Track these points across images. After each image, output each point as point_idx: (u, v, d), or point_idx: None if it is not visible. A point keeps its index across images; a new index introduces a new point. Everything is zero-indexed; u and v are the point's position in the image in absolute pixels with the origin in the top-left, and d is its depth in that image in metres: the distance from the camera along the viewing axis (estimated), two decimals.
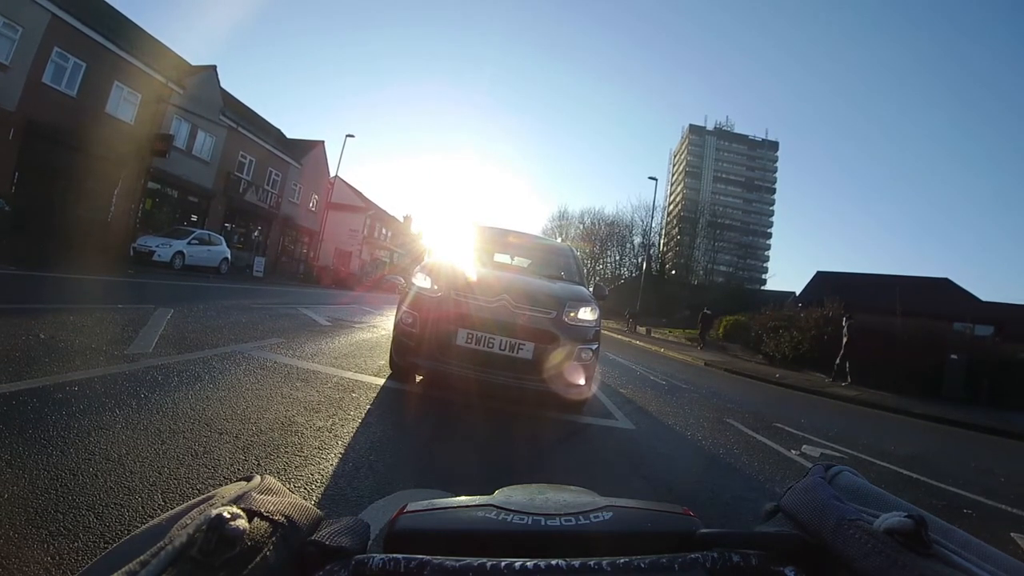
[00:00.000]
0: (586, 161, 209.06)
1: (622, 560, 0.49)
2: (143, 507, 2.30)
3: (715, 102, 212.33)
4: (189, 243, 22.07)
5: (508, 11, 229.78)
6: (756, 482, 4.61)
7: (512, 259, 8.18)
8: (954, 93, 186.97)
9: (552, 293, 5.54)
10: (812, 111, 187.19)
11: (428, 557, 0.49)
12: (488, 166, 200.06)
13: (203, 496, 0.53)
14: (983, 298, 42.84)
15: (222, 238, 25.48)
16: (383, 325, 11.59)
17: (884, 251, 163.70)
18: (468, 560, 0.49)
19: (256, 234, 35.52)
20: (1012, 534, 4.20)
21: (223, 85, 30.51)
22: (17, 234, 16.29)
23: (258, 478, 0.57)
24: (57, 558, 1.83)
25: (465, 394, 5.36)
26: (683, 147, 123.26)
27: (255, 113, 37.19)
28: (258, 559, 0.45)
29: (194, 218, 29.07)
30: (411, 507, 0.66)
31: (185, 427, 3.39)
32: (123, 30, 24.31)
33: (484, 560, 0.49)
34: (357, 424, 4.14)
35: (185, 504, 0.52)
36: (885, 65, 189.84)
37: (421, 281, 5.48)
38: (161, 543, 0.44)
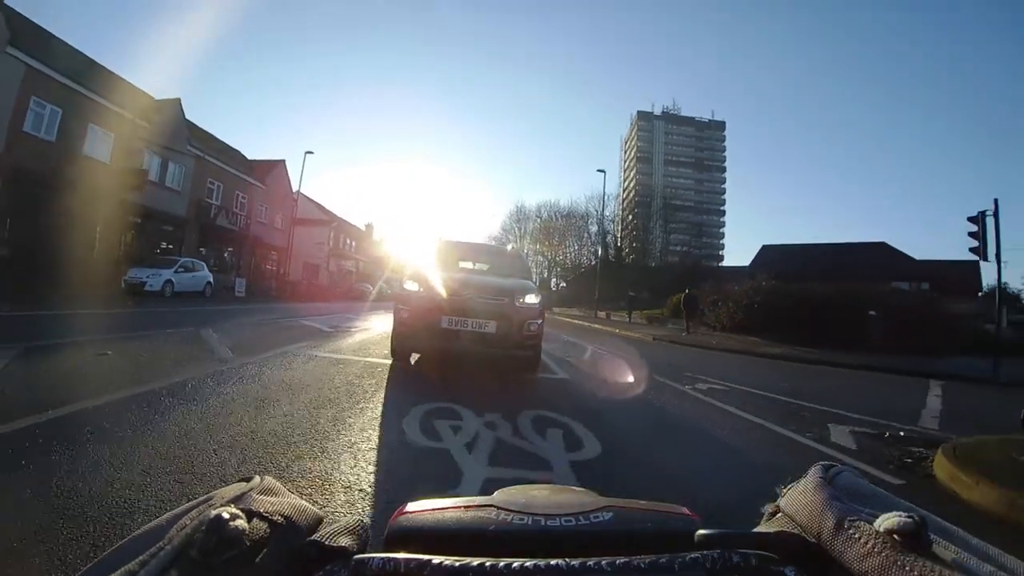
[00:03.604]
0: (540, 157, 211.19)
1: (622, 560, 0.49)
2: (303, 412, 4.64)
3: (661, 88, 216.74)
4: (176, 271, 23.63)
5: (450, 18, 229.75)
6: (651, 401, 7.23)
7: (474, 264, 9.98)
8: (885, 60, 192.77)
9: (506, 286, 7.63)
10: (754, 88, 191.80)
11: (428, 557, 0.50)
12: (443, 169, 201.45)
13: (203, 497, 0.55)
14: (918, 258, 45.92)
15: (203, 264, 27.13)
16: (373, 328, 13.75)
17: (830, 219, 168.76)
18: (468, 560, 0.49)
19: (227, 255, 37.03)
20: (828, 424, 6.37)
21: (186, 115, 32.06)
22: (15, 277, 17.47)
23: (257, 479, 0.59)
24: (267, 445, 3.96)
25: (450, 364, 7.41)
26: (633, 134, 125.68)
27: (217, 139, 38.76)
28: (258, 560, 0.47)
29: (169, 246, 30.55)
30: (411, 507, 0.68)
31: (287, 391, 5.65)
32: (91, 73, 25.72)
33: (484, 560, 0.49)
34: (387, 380, 6.76)
35: (185, 505, 0.53)
36: (817, 37, 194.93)
37: (410, 286, 7.51)
38: (161, 543, 0.46)
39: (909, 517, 0.46)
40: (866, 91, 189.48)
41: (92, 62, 27.10)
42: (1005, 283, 49.63)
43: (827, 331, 19.53)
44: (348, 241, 62.75)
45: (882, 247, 47.59)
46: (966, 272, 40.87)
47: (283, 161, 45.52)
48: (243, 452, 3.63)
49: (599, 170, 46.88)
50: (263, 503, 0.52)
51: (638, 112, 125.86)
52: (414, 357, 8.11)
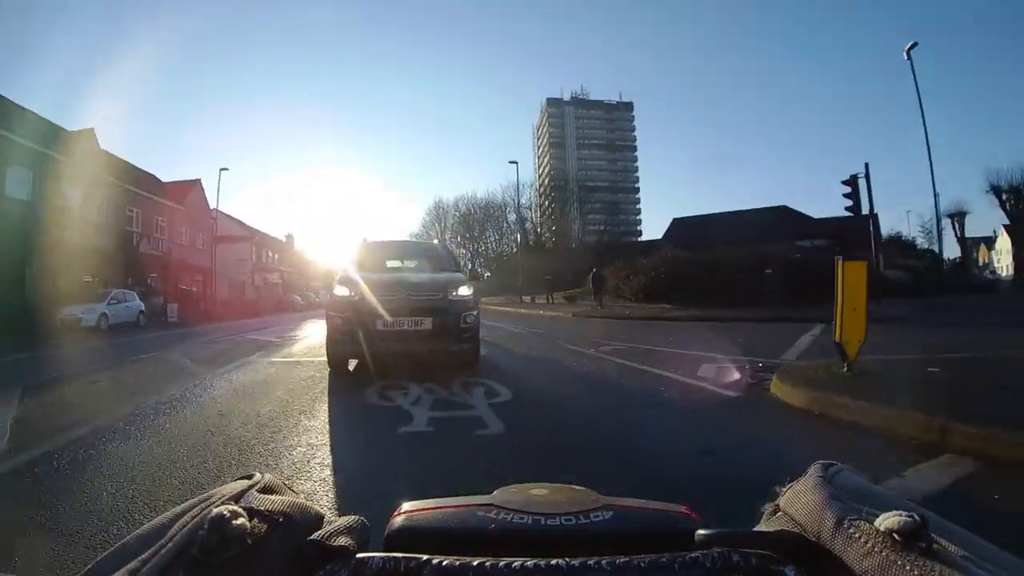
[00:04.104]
0: (455, 152, 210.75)
1: (622, 560, 0.49)
2: (288, 397, 5.97)
3: (568, 73, 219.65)
4: (108, 304, 24.02)
5: (352, 20, 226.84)
6: (559, 362, 8.94)
7: (402, 262, 9.99)
8: (772, 32, 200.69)
9: (437, 281, 7.76)
10: (659, 66, 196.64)
11: (428, 557, 0.50)
12: (357, 172, 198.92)
13: (203, 495, 0.55)
14: (816, 216, 49.14)
15: (134, 294, 27.54)
16: (312, 335, 14.99)
17: (740, 187, 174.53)
18: (468, 560, 0.49)
19: (152, 281, 36.91)
20: (702, 364, 7.88)
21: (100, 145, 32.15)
22: None
23: (258, 476, 0.60)
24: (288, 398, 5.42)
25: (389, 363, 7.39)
26: (544, 121, 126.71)
27: (131, 165, 38.31)
28: (258, 558, 0.46)
29: (93, 278, 30.11)
30: (410, 507, 0.68)
31: (266, 387, 7.02)
32: (4, 111, 25.77)
33: (484, 560, 0.49)
34: (343, 373, 7.80)
35: (186, 503, 0.53)
36: (710, 9, 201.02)
37: (341, 291, 7.47)
38: (162, 541, 0.46)
39: (909, 516, 0.46)
40: (760, 62, 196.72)
41: (12, 103, 27.05)
42: (899, 231, 54.00)
43: (730, 291, 21.69)
44: (270, 254, 62.90)
45: (783, 210, 50.72)
46: (864, 225, 44.14)
47: (199, 180, 45.67)
48: (257, 422, 5.07)
49: (511, 161, 48.52)
50: (264, 501, 0.54)
51: (548, 99, 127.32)
52: (352, 363, 8.08)
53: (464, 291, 7.66)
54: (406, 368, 7.10)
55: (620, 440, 4.53)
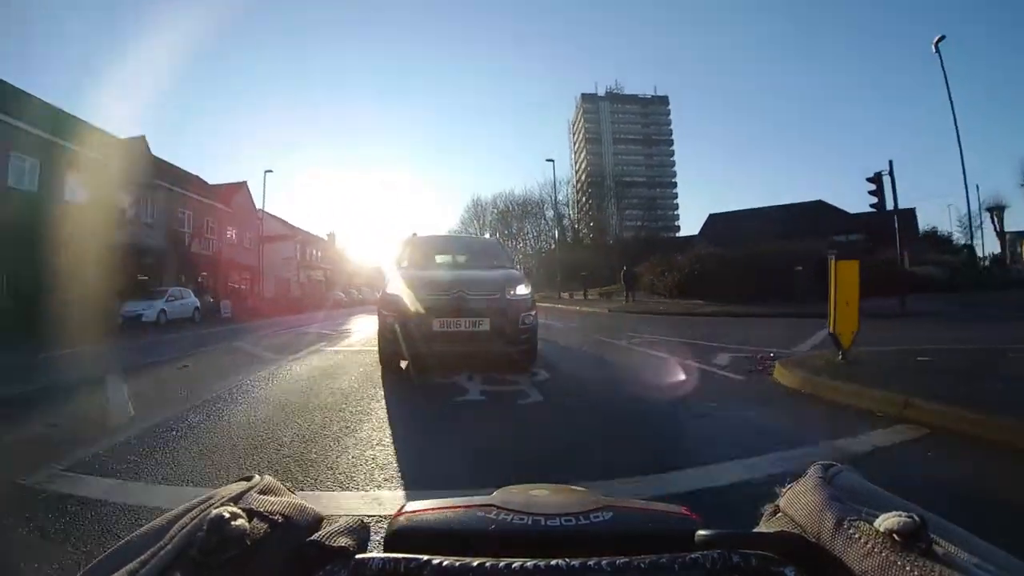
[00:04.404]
0: (493, 150, 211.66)
1: (622, 560, 0.49)
2: (360, 378, 6.94)
3: (603, 68, 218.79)
4: (167, 301, 25.53)
5: (389, 20, 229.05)
6: (591, 350, 9.79)
7: (454, 258, 9.68)
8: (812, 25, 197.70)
9: (494, 279, 7.45)
10: (695, 59, 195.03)
11: (428, 557, 0.50)
12: (397, 171, 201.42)
13: (203, 496, 0.55)
14: (852, 212, 49.02)
15: (190, 291, 29.04)
16: (365, 329, 15.93)
17: (781, 179, 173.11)
18: (468, 560, 0.49)
19: (203, 279, 38.60)
20: (718, 353, 8.79)
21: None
22: (23, 325, 18.94)
23: (258, 478, 0.60)
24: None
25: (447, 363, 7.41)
26: (579, 116, 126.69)
27: (180, 169, 40.35)
28: (258, 559, 0.47)
29: (145, 277, 31.78)
30: (411, 507, 0.68)
31: (335, 367, 8.10)
32: (61, 122, 27.14)
33: (484, 560, 0.49)
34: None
35: (185, 504, 0.53)
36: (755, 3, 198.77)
37: (394, 289, 7.24)
38: (161, 543, 0.46)
39: (909, 517, 0.46)
40: (798, 54, 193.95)
41: (60, 111, 28.46)
42: (934, 227, 53.18)
43: (761, 288, 22.28)
44: (314, 252, 64.52)
45: (820, 205, 50.77)
46: (903, 219, 44.05)
47: (245, 182, 47.29)
48: (340, 393, 6.25)
49: (548, 159, 49.26)
50: (263, 503, 0.54)
51: (582, 95, 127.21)
52: (403, 362, 7.76)
53: (522, 290, 7.45)
54: (461, 361, 7.26)
55: (632, 407, 5.49)
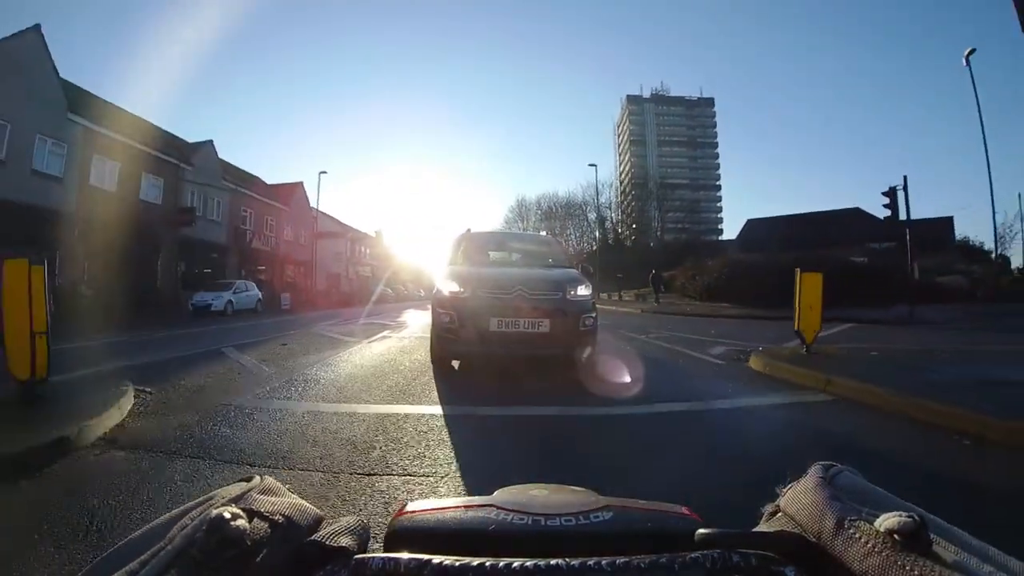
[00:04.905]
0: (537, 151, 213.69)
1: (622, 560, 0.49)
2: (422, 355, 8.74)
3: (648, 70, 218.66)
4: (234, 292, 27.84)
5: (432, 25, 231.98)
6: (614, 343, 11.13)
7: (510, 255, 9.52)
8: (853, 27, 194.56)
9: (554, 279, 7.19)
10: (741, 62, 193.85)
11: (428, 557, 0.50)
12: (442, 171, 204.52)
13: (203, 497, 0.55)
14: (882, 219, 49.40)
15: (253, 284, 31.43)
16: (420, 320, 17.90)
17: (830, 184, 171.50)
18: (468, 560, 0.49)
19: (260, 274, 40.91)
20: (716, 347, 10.46)
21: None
22: (102, 311, 19.17)
23: (258, 479, 0.59)
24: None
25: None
26: (624, 118, 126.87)
27: (242, 170, 43.31)
28: (258, 559, 0.47)
29: (209, 270, 34.39)
30: (411, 507, 0.69)
31: (406, 348, 9.88)
32: (136, 126, 29.51)
33: (484, 560, 0.49)
34: None
35: (185, 505, 0.53)
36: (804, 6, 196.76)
37: (450, 286, 7.00)
38: (161, 543, 0.46)
39: (909, 517, 0.46)
40: (844, 59, 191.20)
41: (135, 117, 30.97)
42: (966, 236, 52.69)
43: (785, 293, 23.49)
44: (363, 249, 66.89)
45: (856, 212, 51.32)
46: (939, 228, 44.69)
47: (301, 183, 49.79)
48: (418, 365, 8.01)
49: (591, 164, 50.63)
50: (264, 503, 0.54)
51: (627, 96, 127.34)
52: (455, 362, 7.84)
53: (583, 291, 7.21)
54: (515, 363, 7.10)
55: (634, 377, 7.05)
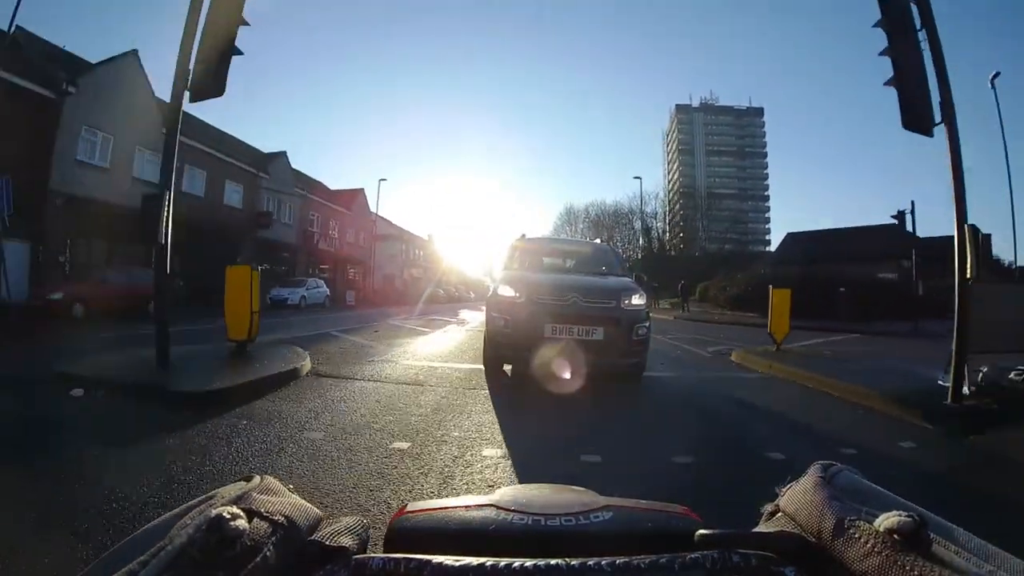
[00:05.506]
0: (585, 158, 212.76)
1: (622, 560, 0.50)
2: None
3: (697, 79, 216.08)
4: (307, 289, 31.08)
5: (484, 35, 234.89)
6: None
7: (564, 262, 9.53)
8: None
9: (609, 287, 7.24)
10: (791, 71, 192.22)
11: (428, 557, 0.50)
12: (492, 178, 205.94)
13: (203, 496, 0.55)
14: (924, 235, 50.45)
15: (322, 281, 34.83)
16: (477, 318, 20.17)
17: (878, 197, 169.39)
18: (468, 560, 0.50)
19: (323, 272, 44.35)
20: (714, 347, 13.05)
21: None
22: (197, 301, 22.06)
23: (258, 478, 0.59)
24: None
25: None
26: (673, 127, 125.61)
27: (310, 177, 47.06)
28: (258, 559, 0.46)
29: (283, 268, 37.63)
30: (411, 507, 0.69)
31: (472, 337, 12.62)
32: (220, 138, 33.17)
33: (484, 560, 0.50)
34: None
35: (185, 504, 0.53)
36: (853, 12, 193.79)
37: (506, 291, 7.06)
38: (161, 543, 0.45)
39: (909, 517, 0.46)
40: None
41: (218, 130, 34.52)
42: (998, 256, 52.84)
43: (809, 306, 25.65)
44: (416, 252, 70.30)
45: (892, 228, 52.22)
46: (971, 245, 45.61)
47: (362, 190, 53.14)
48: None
49: (635, 177, 52.68)
50: (264, 503, 0.54)
51: (676, 106, 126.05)
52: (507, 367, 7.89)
53: (637, 300, 7.18)
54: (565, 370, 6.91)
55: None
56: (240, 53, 6.97)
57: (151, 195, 7.09)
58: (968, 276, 6.45)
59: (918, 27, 6.53)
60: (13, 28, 15.82)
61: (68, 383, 5.78)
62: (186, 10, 6.63)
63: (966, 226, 6.49)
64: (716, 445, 4.84)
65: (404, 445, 4.29)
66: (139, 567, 0.42)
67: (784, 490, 0.63)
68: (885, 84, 6.71)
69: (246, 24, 6.88)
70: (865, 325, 20.60)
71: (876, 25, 6.67)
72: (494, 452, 4.20)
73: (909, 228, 21.02)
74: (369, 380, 7.03)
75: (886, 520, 0.47)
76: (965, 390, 6.46)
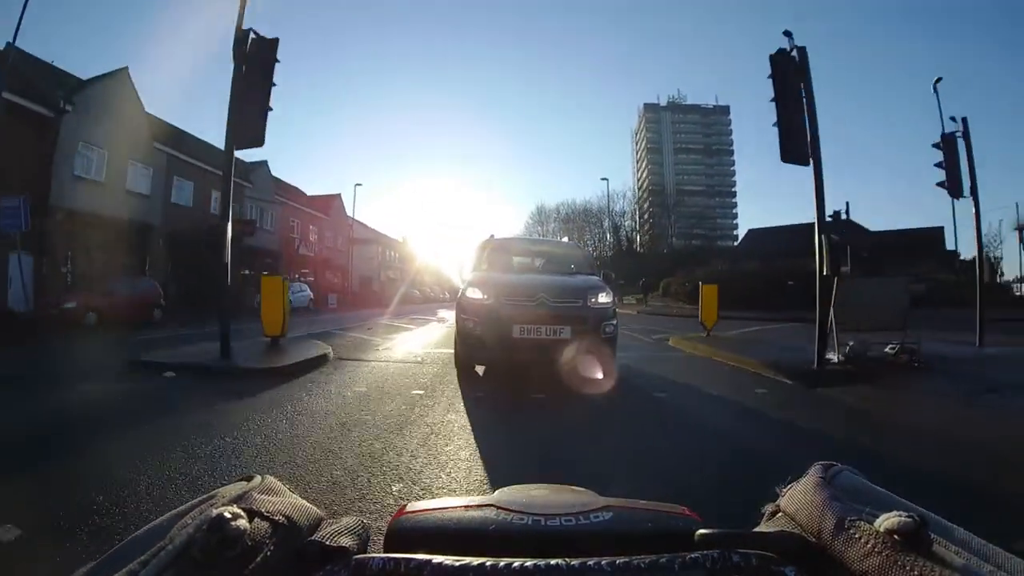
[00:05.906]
0: (556, 157, 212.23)
1: (622, 560, 0.50)
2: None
3: (665, 78, 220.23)
4: (292, 293, 32.02)
5: (448, 35, 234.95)
6: None
7: (533, 261, 9.64)
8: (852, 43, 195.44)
9: (576, 286, 7.43)
10: (756, 70, 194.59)
11: (428, 557, 0.50)
12: (462, 176, 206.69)
13: (204, 496, 0.55)
14: (873, 229, 53.17)
15: (305, 285, 36.71)
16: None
17: (838, 195, 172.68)
18: (468, 560, 0.50)
19: (302, 276, 45.89)
20: (659, 335, 15.10)
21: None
22: (187, 306, 24.00)
23: (258, 478, 0.60)
24: None
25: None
26: (641, 126, 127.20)
27: (288, 184, 48.83)
28: (258, 559, 0.47)
29: (266, 273, 38.62)
30: (411, 507, 0.69)
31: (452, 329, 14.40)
32: (205, 150, 34.03)
33: (484, 560, 0.50)
34: None
35: (186, 504, 0.53)
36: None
37: (474, 294, 7.20)
38: (162, 543, 0.46)
39: (909, 517, 0.47)
40: (857, 67, 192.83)
41: (203, 142, 35.78)
42: (953, 248, 54.92)
43: (758, 299, 28.00)
44: (391, 254, 72.13)
45: (846, 223, 54.94)
46: (929, 237, 48.11)
47: (339, 195, 55.35)
48: None
49: (603, 178, 54.16)
50: (264, 502, 0.54)
51: (644, 104, 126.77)
52: (479, 368, 8.04)
53: (604, 298, 7.34)
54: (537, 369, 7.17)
55: None
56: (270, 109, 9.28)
57: (214, 226, 9.09)
58: (825, 272, 8.64)
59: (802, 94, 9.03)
60: (13, 46, 16.62)
61: (160, 369, 7.85)
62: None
63: (822, 236, 8.72)
64: (622, 391, 6.72)
65: (420, 392, 6.63)
66: (139, 567, 0.43)
67: (784, 490, 0.64)
68: (773, 125, 9.25)
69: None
70: (807, 313, 22.31)
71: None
72: (478, 394, 6.51)
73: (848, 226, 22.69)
74: (382, 361, 9.36)
75: (886, 520, 0.48)
76: (834, 359, 8.69)
